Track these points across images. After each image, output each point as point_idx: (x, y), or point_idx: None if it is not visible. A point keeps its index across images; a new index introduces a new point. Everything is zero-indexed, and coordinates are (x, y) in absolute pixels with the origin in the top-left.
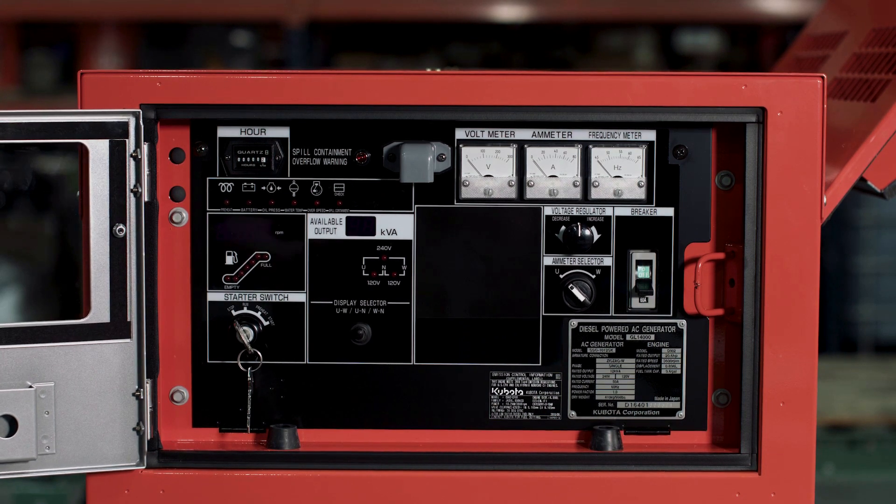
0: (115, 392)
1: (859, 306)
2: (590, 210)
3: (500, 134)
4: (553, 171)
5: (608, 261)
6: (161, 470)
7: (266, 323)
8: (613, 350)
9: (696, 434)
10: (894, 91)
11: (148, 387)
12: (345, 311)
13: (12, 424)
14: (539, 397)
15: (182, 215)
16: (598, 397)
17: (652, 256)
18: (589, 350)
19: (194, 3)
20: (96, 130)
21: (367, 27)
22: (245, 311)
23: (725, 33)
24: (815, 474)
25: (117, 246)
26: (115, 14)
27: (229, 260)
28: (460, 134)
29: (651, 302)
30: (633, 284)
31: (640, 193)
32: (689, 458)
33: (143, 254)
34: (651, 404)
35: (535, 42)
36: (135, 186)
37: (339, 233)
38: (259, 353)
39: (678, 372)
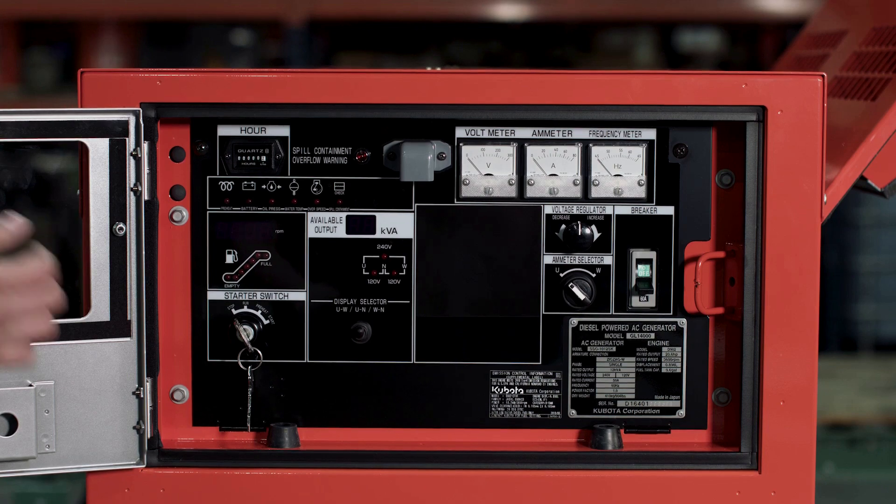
0: (116, 391)
1: (859, 305)
2: (590, 209)
3: (501, 132)
4: (553, 170)
5: (608, 259)
6: (161, 469)
7: (266, 322)
8: (614, 349)
9: (696, 433)
10: (894, 90)
11: (148, 385)
12: (345, 309)
13: (12, 423)
14: (539, 396)
15: (182, 214)
16: (598, 396)
17: (652, 255)
18: (589, 349)
19: (194, 2)
20: (96, 129)
21: (367, 26)
22: (245, 309)
23: (725, 32)
24: (815, 473)
25: (117, 245)
26: (115, 13)
27: (229, 258)
28: (460, 132)
29: (651, 300)
30: (634, 283)
31: (641, 192)
32: (690, 456)
33: (144, 252)
34: (651, 403)
35: (536, 41)
36: (135, 185)
37: (340, 231)
38: (259, 352)
39: (678, 370)
